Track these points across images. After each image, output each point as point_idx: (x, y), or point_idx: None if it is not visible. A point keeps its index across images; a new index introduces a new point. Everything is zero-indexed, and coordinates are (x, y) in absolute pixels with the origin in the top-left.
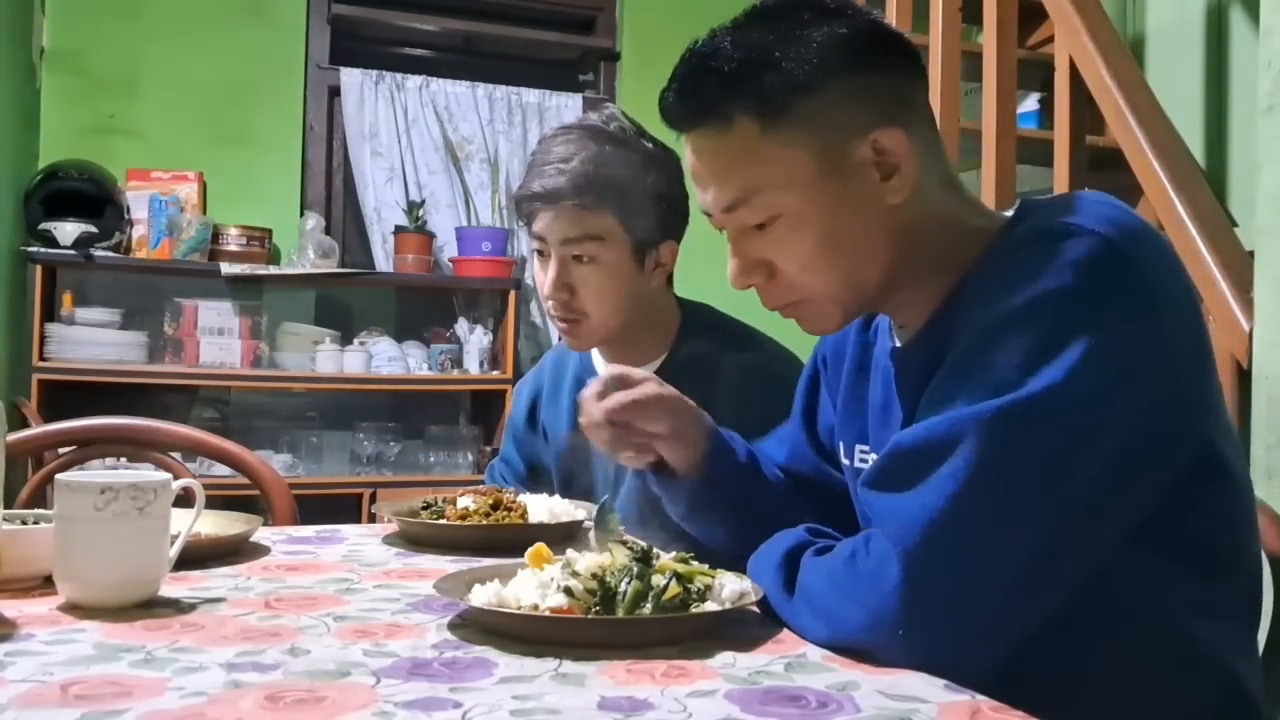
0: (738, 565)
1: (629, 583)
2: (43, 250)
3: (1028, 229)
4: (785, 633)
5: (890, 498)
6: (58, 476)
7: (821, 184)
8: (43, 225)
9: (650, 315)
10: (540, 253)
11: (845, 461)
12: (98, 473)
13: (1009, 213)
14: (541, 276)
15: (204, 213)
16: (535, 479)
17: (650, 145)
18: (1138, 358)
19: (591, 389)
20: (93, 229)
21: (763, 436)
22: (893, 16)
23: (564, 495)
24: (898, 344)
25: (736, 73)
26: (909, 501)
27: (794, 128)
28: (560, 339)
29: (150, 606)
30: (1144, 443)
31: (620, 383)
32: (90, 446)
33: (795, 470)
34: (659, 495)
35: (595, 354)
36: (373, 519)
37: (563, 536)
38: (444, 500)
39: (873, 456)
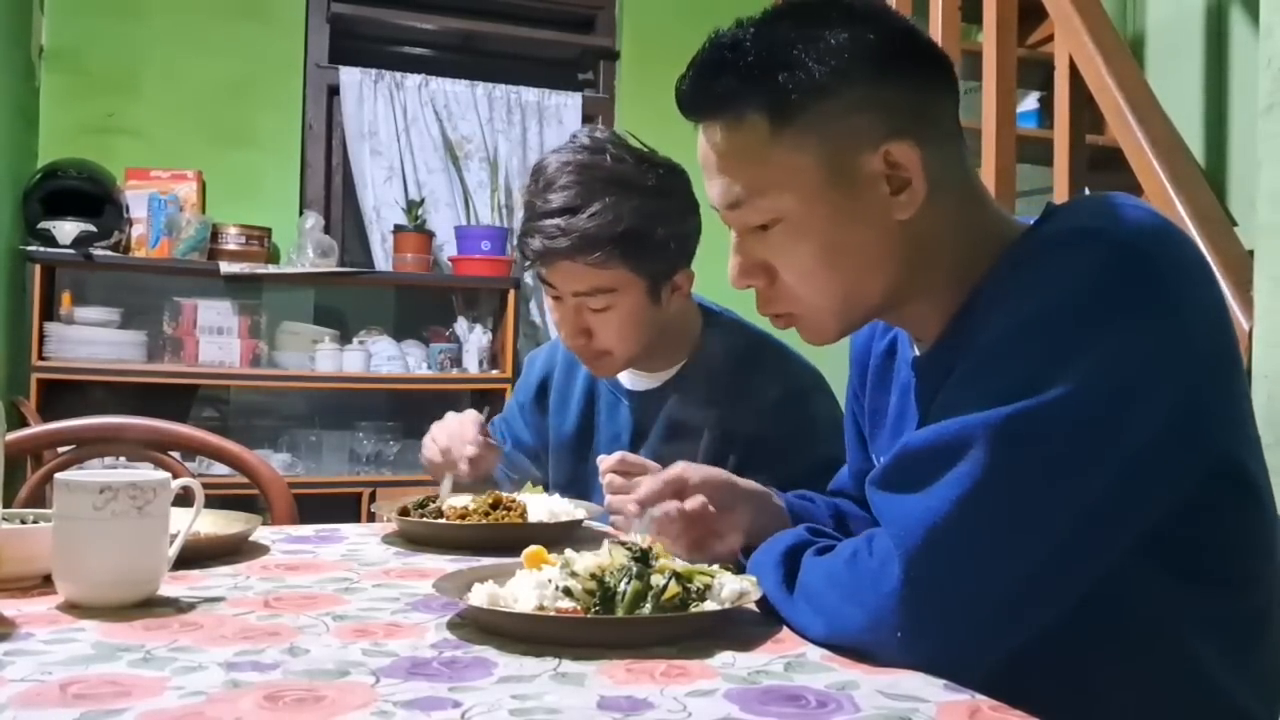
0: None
1: (628, 583)
2: (42, 249)
3: (1048, 233)
4: (785, 632)
5: (895, 498)
6: (57, 476)
7: (826, 193)
8: (42, 224)
9: (669, 330)
10: (553, 295)
11: None
12: (97, 472)
13: (1032, 219)
14: (555, 314)
15: (203, 212)
16: (533, 456)
17: (656, 171)
18: (1155, 366)
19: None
20: (92, 228)
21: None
22: None
23: (560, 493)
24: (916, 354)
25: (753, 67)
26: (914, 503)
27: (804, 131)
28: None
29: (149, 606)
30: (1158, 454)
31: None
32: (89, 446)
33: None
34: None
35: None
36: (372, 518)
37: (562, 536)
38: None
39: None
